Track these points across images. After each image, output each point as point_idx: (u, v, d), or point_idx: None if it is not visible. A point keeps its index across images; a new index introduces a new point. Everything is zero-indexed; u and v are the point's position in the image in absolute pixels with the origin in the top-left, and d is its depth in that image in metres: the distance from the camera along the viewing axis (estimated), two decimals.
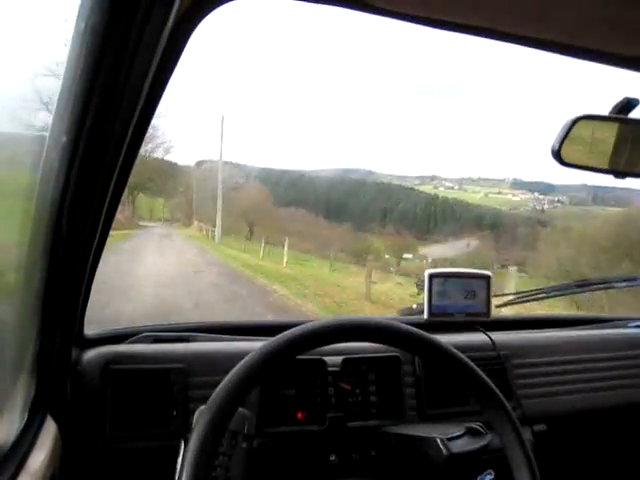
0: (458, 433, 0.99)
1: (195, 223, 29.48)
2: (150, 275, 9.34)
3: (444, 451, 0.97)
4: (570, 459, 1.34)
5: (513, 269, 10.73)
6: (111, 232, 0.83)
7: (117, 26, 0.47)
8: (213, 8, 0.65)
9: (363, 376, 1.13)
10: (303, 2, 0.66)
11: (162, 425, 1.00)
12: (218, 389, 0.68)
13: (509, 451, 0.77)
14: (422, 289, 1.29)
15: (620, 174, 0.99)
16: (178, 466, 0.74)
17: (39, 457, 0.73)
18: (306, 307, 7.76)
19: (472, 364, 0.79)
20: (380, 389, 1.13)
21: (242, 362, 0.70)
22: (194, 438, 0.64)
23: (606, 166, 0.98)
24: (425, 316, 1.27)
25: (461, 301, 1.28)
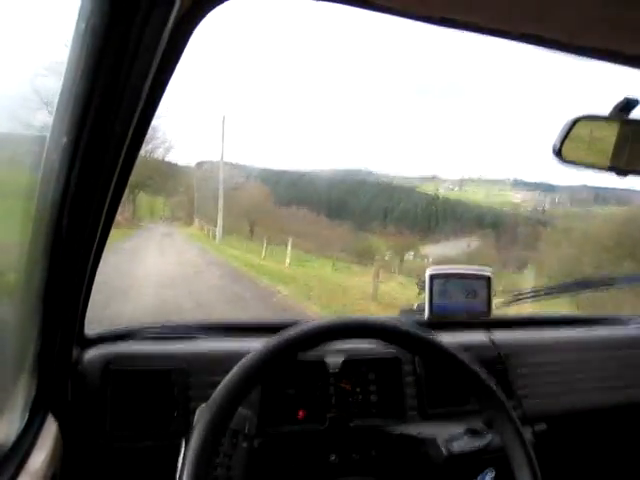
0: (459, 433, 0.99)
1: (196, 222, 29.48)
2: (150, 275, 9.23)
3: (444, 451, 0.97)
4: (571, 458, 1.34)
5: (527, 269, 10.57)
6: (111, 231, 0.83)
7: (117, 27, 0.47)
8: (213, 8, 0.65)
9: (363, 376, 1.13)
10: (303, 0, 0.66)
11: (163, 425, 1.00)
12: (219, 389, 0.68)
13: (510, 451, 0.77)
14: (423, 289, 1.29)
15: (621, 172, 0.99)
16: (179, 465, 0.74)
17: (40, 457, 0.73)
18: (312, 309, 7.63)
19: (473, 363, 0.79)
20: (380, 389, 1.13)
21: (242, 361, 0.70)
22: (195, 437, 0.64)
23: (607, 164, 0.98)
24: (426, 315, 1.27)
25: (462, 300, 1.28)
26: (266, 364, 0.71)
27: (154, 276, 9.15)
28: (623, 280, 1.53)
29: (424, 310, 1.27)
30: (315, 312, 7.48)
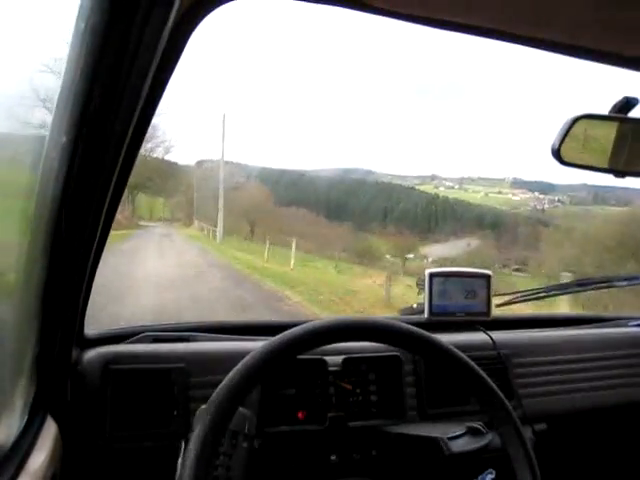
0: (459, 432, 0.99)
1: (196, 223, 29.48)
2: (150, 276, 9.04)
3: (445, 451, 0.97)
4: (571, 458, 1.34)
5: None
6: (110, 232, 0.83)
7: (117, 26, 0.47)
8: (213, 8, 0.65)
9: (364, 376, 1.13)
10: (303, 2, 0.67)
11: (162, 425, 1.00)
12: (219, 389, 0.68)
13: (510, 450, 0.77)
14: (422, 288, 1.29)
15: (619, 173, 0.99)
16: (179, 466, 0.74)
17: (39, 457, 0.73)
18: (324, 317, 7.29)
19: (473, 363, 0.79)
20: (381, 389, 1.13)
21: (243, 362, 0.70)
22: (194, 438, 0.64)
23: (606, 165, 0.98)
24: (425, 315, 1.27)
25: (461, 300, 1.29)
26: (266, 364, 0.70)
27: (153, 277, 8.98)
28: (623, 280, 1.53)
29: (424, 310, 1.28)
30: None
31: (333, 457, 1.06)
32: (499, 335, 1.29)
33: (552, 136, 0.96)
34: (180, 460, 0.75)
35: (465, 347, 0.90)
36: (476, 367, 0.79)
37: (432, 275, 1.27)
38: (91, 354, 1.01)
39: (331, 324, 0.75)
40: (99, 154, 0.59)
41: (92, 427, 0.96)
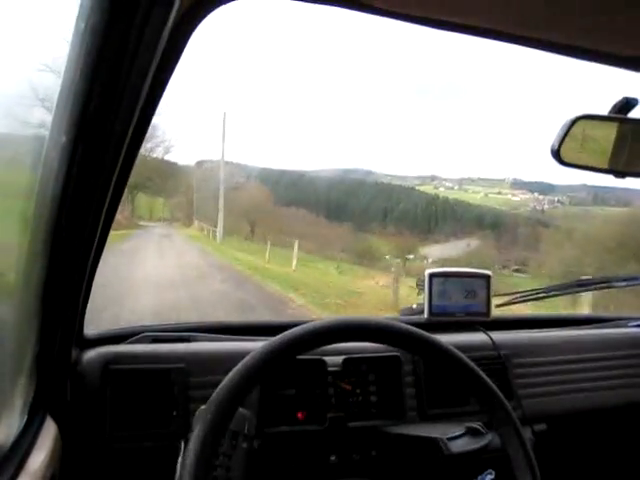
0: (458, 433, 0.99)
1: (195, 223, 29.47)
2: (150, 277, 8.95)
3: (444, 451, 0.97)
4: (570, 459, 1.34)
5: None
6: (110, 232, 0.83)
7: (117, 26, 0.47)
8: (213, 8, 0.65)
9: (363, 376, 1.12)
10: (303, 2, 0.67)
11: (162, 425, 1.00)
12: (218, 389, 0.68)
13: (509, 451, 0.77)
14: (422, 289, 1.29)
15: (619, 174, 0.99)
16: (178, 466, 0.74)
17: (39, 457, 0.73)
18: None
19: (472, 364, 0.79)
20: (380, 389, 1.13)
21: (242, 362, 0.70)
22: (194, 438, 0.64)
23: (605, 166, 0.98)
24: (425, 316, 1.27)
25: (461, 301, 1.29)
26: (266, 364, 0.70)
27: (153, 277, 8.91)
28: (622, 280, 1.53)
29: (423, 310, 1.28)
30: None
31: (333, 457, 1.06)
32: (499, 335, 1.29)
33: (552, 137, 0.96)
34: (180, 460, 0.75)
35: (465, 347, 0.90)
36: (476, 367, 0.79)
37: (432, 275, 1.27)
38: (91, 354, 1.01)
39: (331, 324, 0.75)
40: (99, 154, 0.59)
41: (92, 427, 0.96)
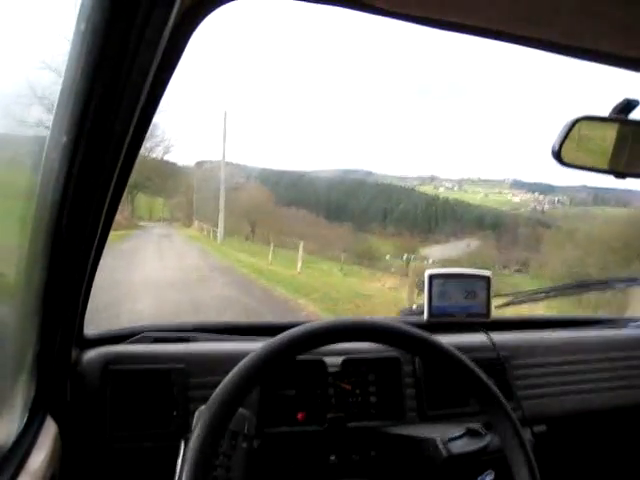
0: (458, 434, 0.99)
1: (195, 223, 29.47)
2: (149, 278, 8.82)
3: (444, 452, 0.96)
4: (570, 460, 1.34)
5: None
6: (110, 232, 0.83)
7: (118, 26, 0.47)
8: (213, 8, 0.65)
9: (363, 377, 1.12)
10: (304, 2, 0.67)
11: (162, 425, 1.00)
12: (218, 389, 0.68)
13: (509, 452, 0.76)
14: (422, 289, 1.29)
15: (620, 174, 0.99)
16: (178, 466, 0.74)
17: (39, 457, 0.73)
18: None
19: (472, 364, 0.78)
20: (380, 390, 1.13)
21: (242, 362, 0.70)
22: (194, 438, 0.64)
23: (606, 166, 0.98)
24: (425, 317, 1.27)
25: (461, 302, 1.28)
26: (266, 365, 0.70)
27: (153, 278, 8.81)
28: (621, 281, 1.53)
29: (423, 311, 1.27)
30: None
31: (332, 458, 1.06)
32: (499, 336, 1.29)
33: (552, 137, 0.97)
34: (180, 460, 0.75)
35: (465, 348, 0.90)
36: (476, 368, 0.78)
37: (432, 276, 1.27)
38: (91, 354, 1.01)
39: (330, 325, 0.75)
40: (99, 154, 0.59)
41: (92, 427, 0.96)
